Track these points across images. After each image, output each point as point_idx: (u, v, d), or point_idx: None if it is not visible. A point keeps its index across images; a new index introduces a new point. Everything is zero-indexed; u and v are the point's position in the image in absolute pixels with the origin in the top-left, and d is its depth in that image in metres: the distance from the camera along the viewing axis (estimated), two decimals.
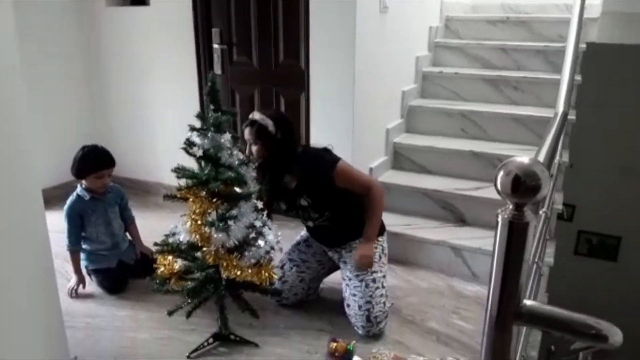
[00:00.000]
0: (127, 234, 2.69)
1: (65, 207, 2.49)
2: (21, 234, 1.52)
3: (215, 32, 3.23)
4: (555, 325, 0.82)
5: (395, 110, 3.41)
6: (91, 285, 2.52)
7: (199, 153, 1.84)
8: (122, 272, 2.56)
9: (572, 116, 3.01)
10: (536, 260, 1.57)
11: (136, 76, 3.62)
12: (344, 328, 2.17)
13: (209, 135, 1.84)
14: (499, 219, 0.78)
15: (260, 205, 1.96)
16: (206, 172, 1.86)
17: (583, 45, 3.34)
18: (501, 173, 0.78)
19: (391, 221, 2.69)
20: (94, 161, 2.46)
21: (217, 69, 3.25)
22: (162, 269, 1.93)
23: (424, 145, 3.24)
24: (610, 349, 0.75)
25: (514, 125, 3.26)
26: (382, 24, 3.00)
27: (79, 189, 2.52)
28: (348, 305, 2.18)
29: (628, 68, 4.00)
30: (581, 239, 4.63)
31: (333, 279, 2.46)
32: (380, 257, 2.24)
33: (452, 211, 2.93)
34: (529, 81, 3.45)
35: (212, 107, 1.87)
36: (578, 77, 3.24)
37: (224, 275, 1.93)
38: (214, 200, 1.86)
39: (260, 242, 1.91)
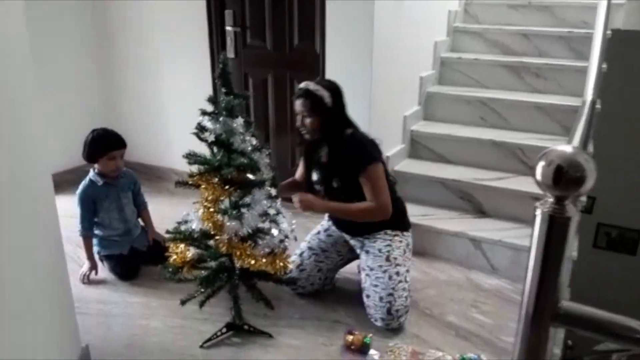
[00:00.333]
0: (140, 220, 2.66)
1: (78, 191, 2.47)
2: (30, 219, 1.49)
3: (228, 14, 3.15)
4: (596, 327, 0.77)
5: (412, 97, 3.33)
6: (103, 271, 2.50)
7: (211, 138, 1.79)
8: (134, 258, 2.53)
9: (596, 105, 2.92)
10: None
11: (148, 60, 3.57)
12: (360, 319, 2.13)
13: (220, 119, 1.78)
14: (538, 213, 0.73)
15: (274, 192, 1.90)
16: (218, 158, 1.81)
17: (608, 32, 3.21)
18: (541, 163, 0.72)
19: (408, 211, 2.62)
20: (103, 143, 2.43)
21: (230, 52, 3.16)
22: (175, 257, 1.89)
23: (442, 134, 3.16)
24: None
25: (537, 114, 3.15)
26: (401, 7, 2.91)
27: (91, 174, 2.49)
28: (368, 296, 2.12)
29: None
30: (600, 231, 4.52)
31: (348, 269, 2.42)
32: (404, 252, 2.18)
33: (471, 202, 2.85)
34: (551, 68, 3.35)
35: (223, 90, 1.81)
36: (603, 65, 3.13)
37: (238, 264, 1.89)
38: (227, 187, 1.81)
39: (274, 231, 1.86)
